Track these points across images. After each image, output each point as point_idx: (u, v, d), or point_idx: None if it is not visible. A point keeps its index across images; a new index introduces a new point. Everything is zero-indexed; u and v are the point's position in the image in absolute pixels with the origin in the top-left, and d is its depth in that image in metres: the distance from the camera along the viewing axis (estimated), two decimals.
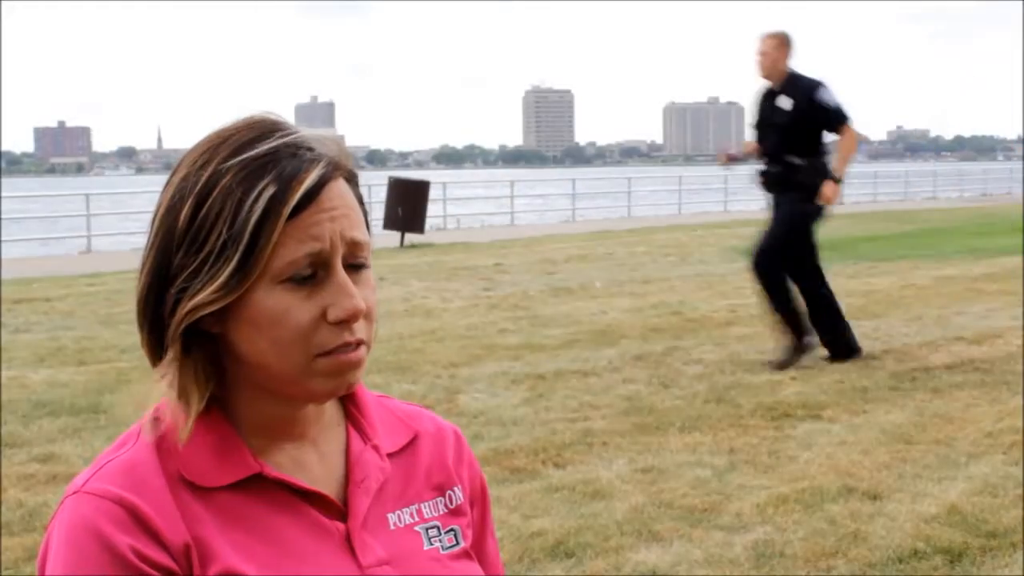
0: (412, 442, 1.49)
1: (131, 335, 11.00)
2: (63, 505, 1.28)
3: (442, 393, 8.89)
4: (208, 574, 1.26)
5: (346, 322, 1.29)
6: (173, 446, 1.31)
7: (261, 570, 1.28)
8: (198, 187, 1.28)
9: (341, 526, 1.35)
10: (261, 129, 1.30)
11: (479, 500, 1.60)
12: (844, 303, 14.07)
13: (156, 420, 1.33)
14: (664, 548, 5.68)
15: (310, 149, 1.29)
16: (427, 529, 1.44)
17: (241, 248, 1.25)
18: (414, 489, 1.46)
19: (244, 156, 1.27)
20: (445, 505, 1.49)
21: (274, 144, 1.28)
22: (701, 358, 10.53)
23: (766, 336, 11.59)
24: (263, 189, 1.25)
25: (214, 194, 1.27)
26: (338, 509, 1.37)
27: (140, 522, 1.24)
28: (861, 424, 8.04)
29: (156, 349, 1.35)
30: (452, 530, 1.47)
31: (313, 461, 1.39)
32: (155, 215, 1.34)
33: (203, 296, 1.27)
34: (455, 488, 1.51)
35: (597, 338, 11.69)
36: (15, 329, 12.51)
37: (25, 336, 12.09)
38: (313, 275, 1.28)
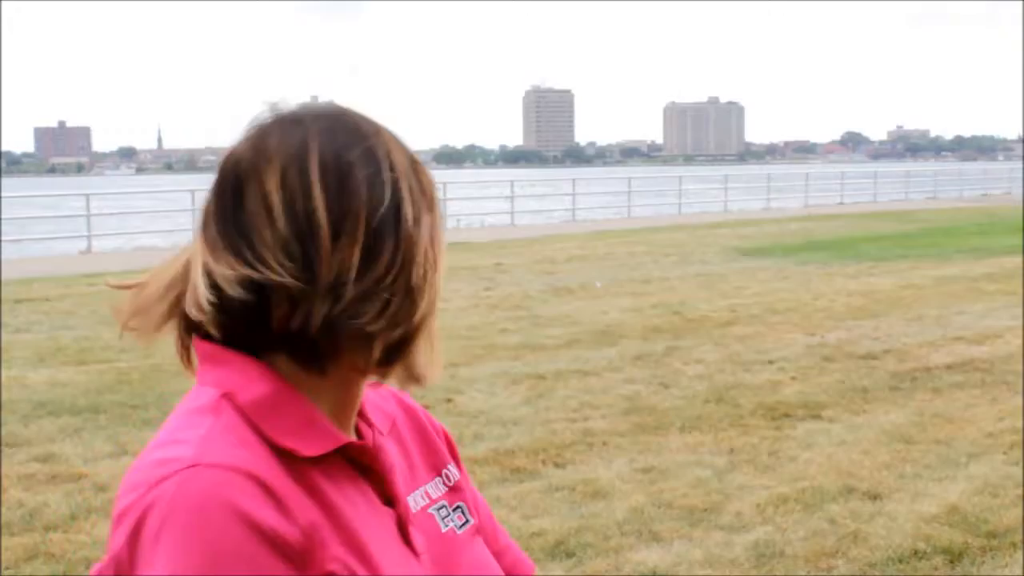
0: (394, 425, 1.47)
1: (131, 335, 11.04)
2: (167, 483, 1.14)
3: (442, 393, 8.89)
4: (328, 555, 1.19)
5: None
6: (259, 419, 1.21)
7: (358, 557, 1.23)
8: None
9: (391, 511, 1.32)
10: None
11: (457, 460, 1.58)
12: (844, 303, 14.14)
13: (227, 396, 1.22)
14: (664, 548, 5.68)
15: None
16: (439, 510, 1.43)
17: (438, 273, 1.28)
18: (415, 472, 1.44)
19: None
20: (444, 484, 1.48)
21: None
22: (701, 358, 10.53)
23: (766, 336, 11.62)
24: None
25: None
26: (386, 494, 1.32)
27: (274, 498, 1.15)
28: (861, 424, 8.04)
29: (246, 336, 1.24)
30: (459, 507, 1.46)
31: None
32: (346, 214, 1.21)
33: (405, 325, 1.24)
34: (450, 466, 1.51)
35: (597, 338, 11.69)
36: (15, 329, 12.51)
37: (25, 336, 12.09)
38: None
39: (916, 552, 5.57)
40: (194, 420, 1.22)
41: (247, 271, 1.19)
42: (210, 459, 1.15)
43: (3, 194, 26.49)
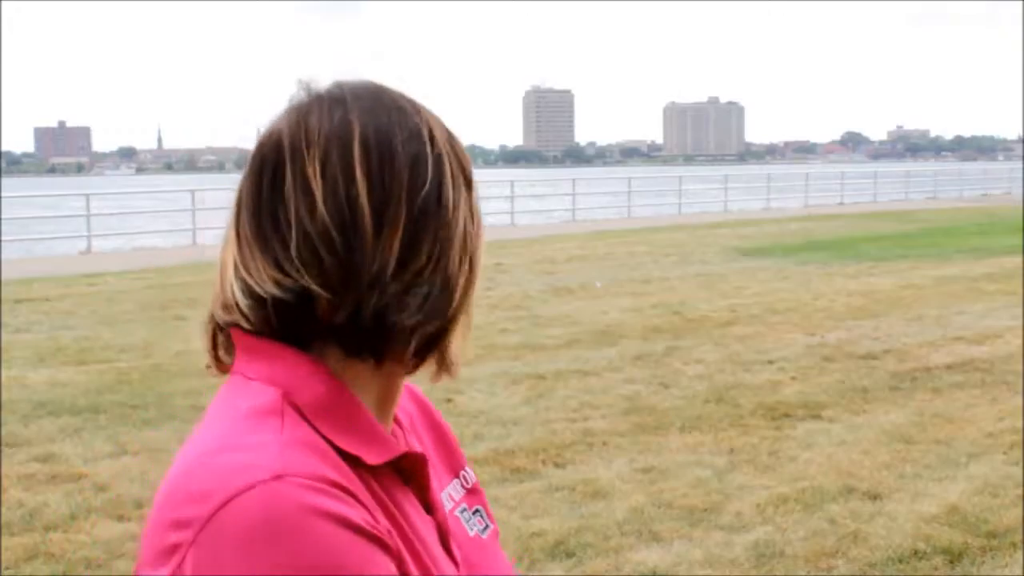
0: (412, 423, 1.42)
1: (130, 335, 11.02)
2: (252, 493, 1.04)
3: (442, 393, 8.88)
4: (403, 563, 1.15)
5: None
6: (321, 423, 1.15)
7: (420, 568, 1.18)
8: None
9: (431, 519, 1.27)
10: None
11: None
12: (844, 303, 14.14)
13: (288, 395, 1.15)
14: (664, 548, 5.68)
15: None
16: (462, 513, 1.39)
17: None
18: (437, 474, 1.38)
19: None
20: (463, 486, 1.44)
21: None
22: (701, 358, 10.53)
23: (766, 336, 11.62)
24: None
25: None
26: (426, 501, 1.27)
27: (363, 505, 1.10)
28: (861, 424, 8.04)
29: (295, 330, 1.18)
30: (478, 511, 1.42)
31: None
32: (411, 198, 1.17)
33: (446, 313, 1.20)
34: (468, 468, 1.47)
35: (597, 338, 11.69)
36: (15, 329, 12.51)
37: (25, 336, 12.09)
38: None
39: (916, 552, 5.57)
40: (261, 423, 1.13)
41: (280, 275, 1.14)
42: (295, 469, 1.07)
43: (3, 194, 26.49)
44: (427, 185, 1.17)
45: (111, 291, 16.14)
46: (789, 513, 6.12)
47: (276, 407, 1.14)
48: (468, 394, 8.98)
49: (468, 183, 1.25)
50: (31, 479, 6.84)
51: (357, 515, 1.07)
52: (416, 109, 1.23)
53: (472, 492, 1.44)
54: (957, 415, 8.24)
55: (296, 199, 1.15)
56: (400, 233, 1.15)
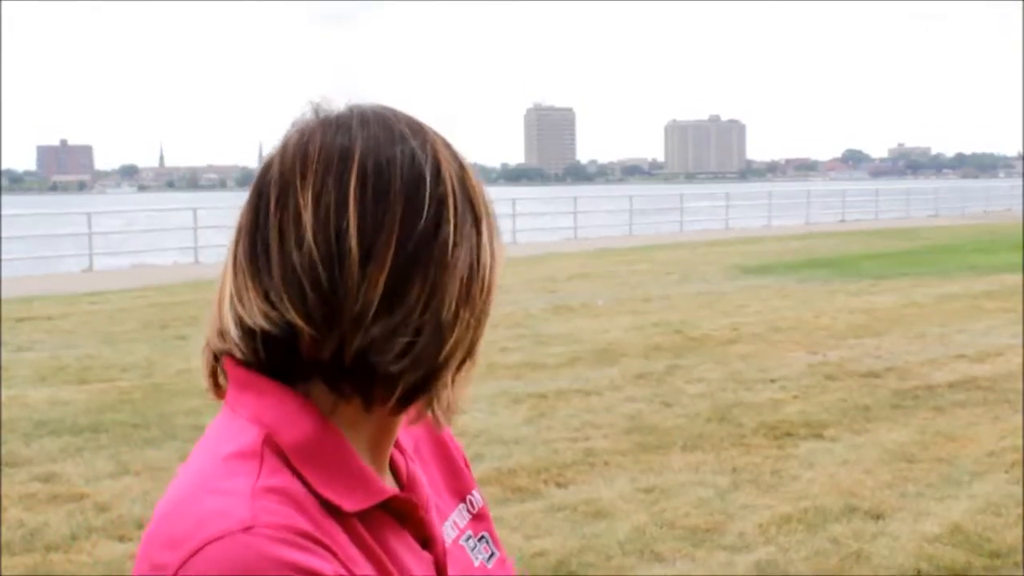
0: (417, 445, 1.36)
1: (132, 354, 10.99)
2: (220, 544, 1.04)
3: None
4: None
5: None
6: (303, 466, 1.13)
7: None
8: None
9: (429, 556, 1.24)
10: None
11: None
12: (846, 321, 14.13)
13: (268, 438, 1.13)
14: (667, 568, 5.67)
15: None
16: (467, 541, 1.35)
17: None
18: (441, 499, 1.35)
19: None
20: (468, 511, 1.39)
21: None
22: (703, 377, 10.52)
23: (768, 354, 11.62)
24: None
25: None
26: (424, 535, 1.24)
27: (336, 558, 1.08)
28: (863, 443, 8.02)
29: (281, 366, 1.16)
30: (483, 537, 1.38)
31: (388, 481, 1.25)
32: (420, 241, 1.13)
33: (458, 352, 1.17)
34: (474, 492, 1.42)
35: (599, 357, 11.69)
36: (17, 348, 12.50)
37: (27, 355, 12.08)
38: None
39: (919, 572, 5.56)
40: (238, 467, 1.11)
41: (268, 308, 1.11)
42: (266, 519, 1.05)
43: (5, 212, 26.52)
44: (423, 222, 1.12)
45: (113, 310, 16.14)
46: (792, 533, 6.11)
47: (256, 450, 1.12)
48: (469, 413, 8.96)
49: (477, 221, 1.18)
50: (32, 499, 6.83)
51: (327, 567, 1.06)
52: (427, 139, 1.17)
53: (478, 518, 1.40)
54: (959, 433, 8.23)
55: (285, 229, 1.12)
56: (386, 271, 1.10)
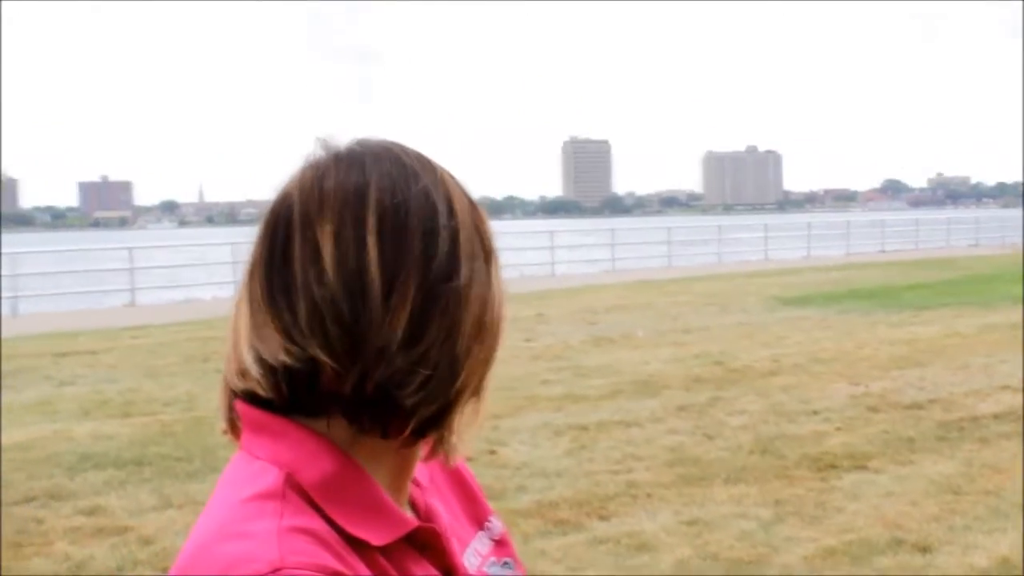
0: (432, 476, 1.36)
1: (174, 388, 11.05)
2: None
3: (484, 444, 8.87)
4: None
5: None
6: (327, 504, 1.13)
7: None
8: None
9: None
10: None
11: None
12: (888, 352, 14.02)
13: (289, 477, 1.13)
14: None
15: None
16: (492, 568, 1.34)
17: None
18: (462, 528, 1.35)
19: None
20: (490, 538, 1.39)
21: None
22: (744, 409, 10.47)
23: (810, 386, 11.55)
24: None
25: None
26: (446, 565, 1.23)
27: None
28: (908, 475, 7.95)
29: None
30: (507, 563, 1.37)
31: (408, 514, 1.24)
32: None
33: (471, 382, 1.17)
34: (492, 518, 1.41)
35: (639, 388, 11.65)
36: (60, 382, 12.60)
37: (70, 389, 12.17)
38: None
39: None
40: (261, 509, 1.10)
41: (289, 343, 1.11)
42: (294, 560, 1.05)
43: (48, 248, 26.76)
44: (440, 257, 1.13)
45: (154, 344, 16.24)
46: (837, 566, 6.06)
47: (277, 490, 1.12)
48: (511, 446, 8.96)
49: (487, 256, 1.19)
50: (77, 532, 6.87)
51: None
52: (437, 175, 1.19)
53: (500, 543, 1.40)
54: (1006, 465, 8.15)
55: (305, 265, 1.12)
56: (409, 307, 1.11)
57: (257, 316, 1.15)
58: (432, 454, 1.23)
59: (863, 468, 8.16)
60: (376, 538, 1.14)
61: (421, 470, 1.30)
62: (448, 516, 1.31)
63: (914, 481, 7.77)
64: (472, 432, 1.22)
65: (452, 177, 1.21)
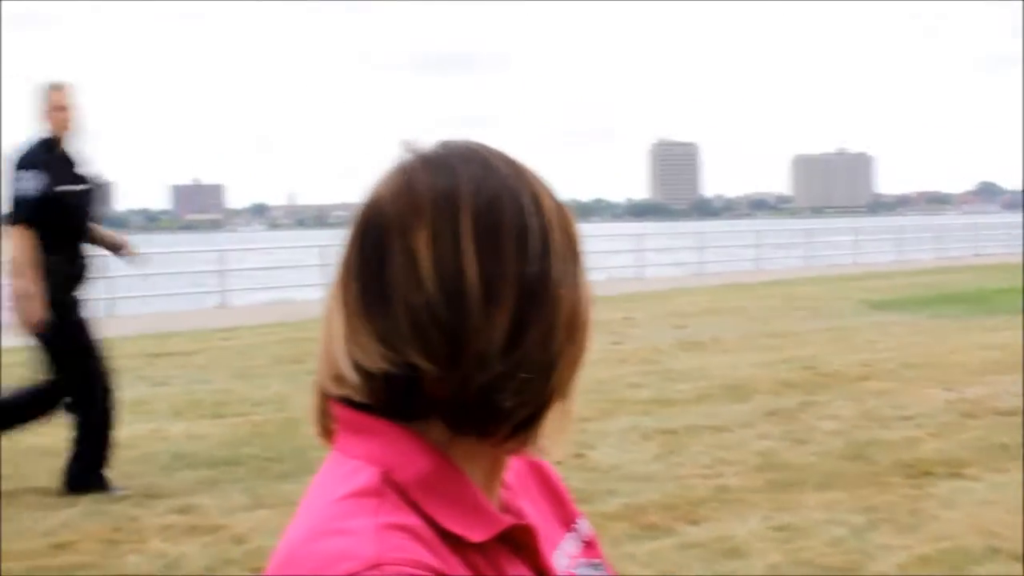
0: (521, 479, 1.36)
1: (265, 388, 11.15)
2: None
3: (573, 448, 8.85)
4: None
5: None
6: (425, 501, 1.14)
7: None
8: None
9: None
10: None
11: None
12: (982, 357, 13.76)
13: (386, 475, 1.14)
14: None
15: None
16: (581, 569, 1.34)
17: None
18: (551, 529, 1.34)
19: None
20: (579, 540, 1.38)
21: None
22: (836, 414, 10.34)
23: (902, 391, 11.38)
24: None
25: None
26: (539, 565, 1.23)
27: None
28: (1006, 482, 7.80)
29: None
30: (597, 565, 1.38)
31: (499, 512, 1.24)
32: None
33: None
34: (580, 520, 1.41)
35: (729, 393, 11.56)
36: (153, 383, 12.79)
37: (163, 389, 12.36)
38: None
39: None
40: (358, 506, 1.11)
41: (387, 350, 1.12)
42: (392, 555, 1.05)
43: (143, 251, 27.18)
44: (535, 259, 1.13)
45: (245, 345, 16.44)
46: (933, 575, 5.95)
47: (374, 488, 1.12)
48: (600, 449, 8.94)
49: (576, 257, 1.19)
50: (170, 530, 6.96)
51: None
52: (525, 176, 1.18)
53: (589, 545, 1.40)
54: None
55: (401, 271, 1.12)
56: (509, 311, 1.11)
57: (353, 322, 1.15)
58: (523, 454, 1.23)
59: (958, 475, 8.02)
60: (473, 535, 1.14)
61: (509, 473, 1.30)
62: (537, 517, 1.31)
63: (1012, 489, 7.62)
64: (564, 434, 1.22)
65: (538, 178, 1.20)
